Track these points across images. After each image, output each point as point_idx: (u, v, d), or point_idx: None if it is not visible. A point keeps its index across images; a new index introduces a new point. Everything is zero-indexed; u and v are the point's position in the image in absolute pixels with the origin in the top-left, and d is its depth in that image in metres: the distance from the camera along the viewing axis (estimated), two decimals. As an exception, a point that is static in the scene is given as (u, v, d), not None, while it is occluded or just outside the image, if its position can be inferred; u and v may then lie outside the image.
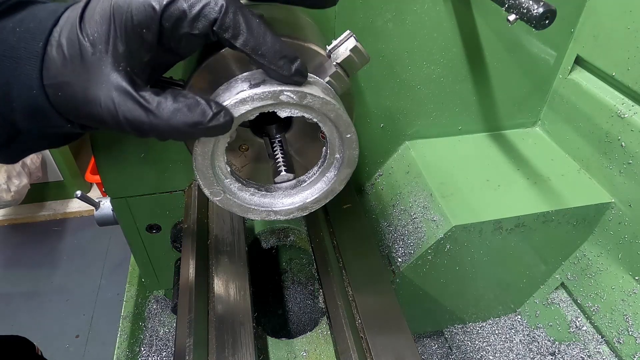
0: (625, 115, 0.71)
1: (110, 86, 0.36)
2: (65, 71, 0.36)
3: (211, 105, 0.37)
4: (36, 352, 0.98)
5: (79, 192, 0.87)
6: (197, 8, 0.35)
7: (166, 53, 0.39)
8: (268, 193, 0.51)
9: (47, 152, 2.23)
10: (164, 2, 0.35)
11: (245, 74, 0.43)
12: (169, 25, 0.36)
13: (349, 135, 0.45)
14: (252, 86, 0.40)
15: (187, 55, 0.40)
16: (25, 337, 0.96)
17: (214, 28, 0.36)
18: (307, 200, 0.51)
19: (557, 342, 0.90)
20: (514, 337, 0.95)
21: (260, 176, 0.54)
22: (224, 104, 0.40)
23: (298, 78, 0.39)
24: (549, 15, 0.50)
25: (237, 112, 0.40)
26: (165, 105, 0.36)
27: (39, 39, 0.36)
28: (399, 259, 0.79)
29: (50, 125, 0.40)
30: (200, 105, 0.36)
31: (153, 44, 0.37)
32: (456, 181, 0.79)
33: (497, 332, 0.97)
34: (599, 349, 0.82)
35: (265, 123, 0.51)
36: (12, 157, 0.46)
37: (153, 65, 0.39)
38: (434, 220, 0.75)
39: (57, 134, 0.44)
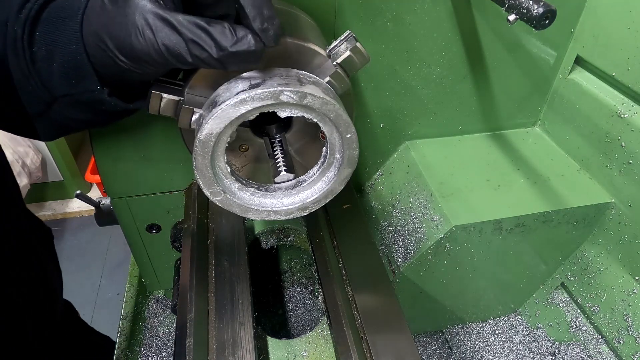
0: (625, 115, 0.71)
1: (147, 13, 0.37)
2: (103, 14, 0.38)
3: (235, 30, 0.37)
4: (79, 315, 0.97)
5: (78, 192, 0.87)
6: None
7: None
8: (268, 193, 0.51)
9: (47, 152, 2.23)
10: None
11: (245, 74, 0.43)
12: None
13: (349, 135, 0.45)
14: (252, 86, 0.41)
15: None
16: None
17: None
18: (307, 200, 0.51)
19: (557, 342, 0.90)
20: (514, 337, 0.95)
21: (260, 176, 0.54)
22: (224, 103, 0.40)
23: (265, 36, 0.38)
24: (549, 15, 0.50)
25: (237, 112, 0.40)
26: (194, 27, 0.37)
27: None
28: (399, 259, 0.79)
29: (83, 90, 0.42)
30: (225, 29, 0.37)
31: None
32: (456, 181, 0.79)
33: (497, 332, 0.97)
34: (599, 349, 0.82)
35: (265, 123, 0.51)
36: (47, 131, 0.48)
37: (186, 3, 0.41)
38: (434, 220, 0.75)
39: (88, 105, 0.45)
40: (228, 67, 0.39)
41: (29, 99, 0.44)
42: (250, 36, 0.37)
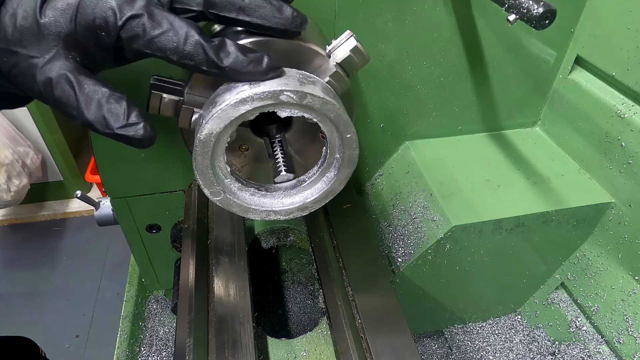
0: (625, 115, 0.71)
1: (56, 69, 0.37)
2: (13, 39, 0.37)
3: (129, 114, 0.37)
4: (40, 353, 0.97)
5: (79, 192, 0.87)
6: (157, 32, 0.37)
7: (119, 54, 0.40)
8: (268, 193, 0.51)
9: (47, 152, 2.23)
10: (127, 15, 0.36)
11: (245, 74, 0.43)
12: (126, 37, 0.37)
13: (349, 135, 0.45)
14: (252, 86, 0.40)
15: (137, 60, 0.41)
16: (27, 337, 0.96)
17: (173, 57, 0.37)
18: (307, 200, 0.51)
19: (557, 342, 0.90)
20: (514, 337, 0.95)
21: (260, 176, 0.54)
22: (224, 103, 0.40)
23: (274, 74, 0.40)
24: (549, 15, 0.50)
25: (237, 112, 0.40)
26: (93, 99, 0.37)
27: None
28: (399, 259, 0.79)
29: None
30: (120, 110, 0.37)
31: (109, 46, 0.38)
32: (456, 181, 0.79)
33: (497, 332, 0.97)
34: (599, 349, 0.82)
35: (265, 123, 0.51)
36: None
37: (105, 61, 0.41)
38: (434, 220, 0.75)
39: (4, 93, 0.45)
40: (117, 141, 0.39)
41: None
42: (141, 124, 0.37)
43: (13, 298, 2.05)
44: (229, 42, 0.39)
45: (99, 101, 0.37)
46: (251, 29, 0.42)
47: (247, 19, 0.40)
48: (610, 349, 0.80)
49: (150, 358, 0.94)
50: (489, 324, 0.99)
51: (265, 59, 0.40)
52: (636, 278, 0.75)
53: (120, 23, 0.36)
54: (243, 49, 0.39)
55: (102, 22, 0.37)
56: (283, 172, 0.49)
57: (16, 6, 0.38)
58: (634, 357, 0.73)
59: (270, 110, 0.42)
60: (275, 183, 0.51)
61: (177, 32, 0.37)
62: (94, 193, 2.48)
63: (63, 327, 1.93)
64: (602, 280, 0.80)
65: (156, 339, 0.97)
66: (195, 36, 0.37)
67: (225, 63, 0.38)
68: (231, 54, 0.38)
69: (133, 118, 0.37)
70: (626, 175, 0.73)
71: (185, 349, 0.54)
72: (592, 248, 0.82)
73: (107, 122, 0.37)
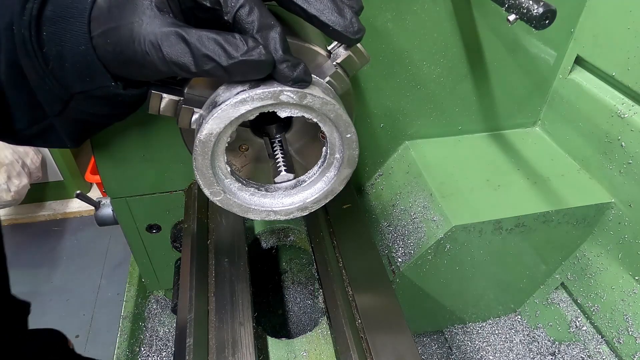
0: (625, 115, 0.71)
1: (155, 25, 0.37)
2: (111, 17, 0.38)
3: (246, 40, 0.37)
4: (69, 345, 0.98)
5: (78, 192, 0.87)
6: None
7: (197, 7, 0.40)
8: (268, 193, 0.51)
9: (47, 151, 2.23)
10: None
11: (245, 74, 0.43)
12: None
13: (349, 135, 0.45)
14: (252, 86, 0.40)
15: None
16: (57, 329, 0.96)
17: (226, 17, 0.38)
18: (307, 200, 0.51)
19: (557, 342, 0.90)
20: (514, 337, 0.95)
21: (260, 176, 0.54)
22: (224, 103, 0.40)
23: (300, 85, 0.40)
24: (549, 15, 0.50)
25: (237, 112, 0.40)
26: (205, 39, 0.37)
27: None
28: (399, 259, 0.79)
29: (96, 86, 0.43)
30: (236, 39, 0.37)
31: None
32: (456, 181, 0.79)
33: (497, 332, 0.97)
34: (599, 349, 0.82)
35: (265, 123, 0.51)
36: (71, 133, 0.50)
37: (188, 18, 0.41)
38: (434, 220, 0.75)
39: (105, 99, 0.46)
40: (234, 76, 0.39)
41: (47, 98, 0.44)
42: (260, 46, 0.37)
43: (13, 298, 2.05)
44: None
45: (212, 39, 0.37)
46: (308, 21, 0.41)
47: (304, 5, 0.39)
48: (610, 349, 0.80)
49: (150, 358, 0.94)
50: (489, 324, 0.99)
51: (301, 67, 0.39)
52: (636, 278, 0.75)
53: None
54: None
55: None
56: (283, 172, 0.49)
57: None
58: (634, 357, 0.74)
59: (270, 110, 0.42)
60: (275, 183, 0.51)
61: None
62: (94, 193, 2.48)
63: (63, 327, 1.91)
64: (602, 280, 0.80)
65: (156, 339, 0.97)
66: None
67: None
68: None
69: (251, 42, 0.37)
70: (626, 175, 0.73)
71: (185, 348, 0.54)
72: (592, 248, 0.82)
73: (229, 53, 0.36)
